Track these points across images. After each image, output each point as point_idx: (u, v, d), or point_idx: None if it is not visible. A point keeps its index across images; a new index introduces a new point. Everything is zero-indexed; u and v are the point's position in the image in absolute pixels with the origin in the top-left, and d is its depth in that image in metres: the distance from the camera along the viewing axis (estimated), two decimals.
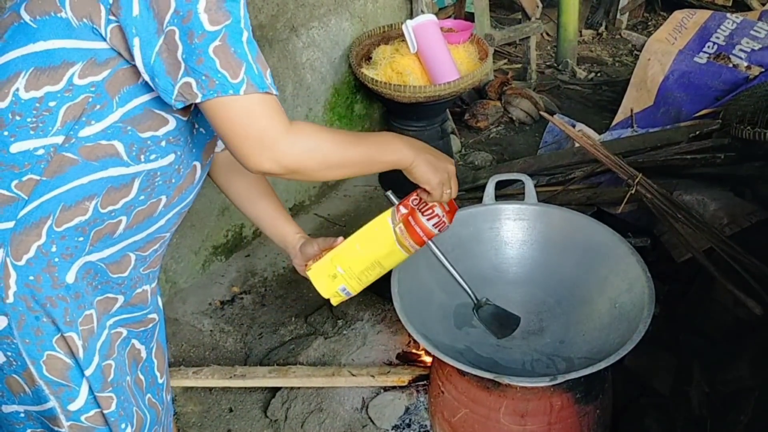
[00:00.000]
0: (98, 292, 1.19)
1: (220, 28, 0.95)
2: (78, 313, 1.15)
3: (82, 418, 1.21)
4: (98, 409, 1.21)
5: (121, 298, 1.24)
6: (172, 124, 1.10)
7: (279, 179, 1.19)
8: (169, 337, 2.32)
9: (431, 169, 1.32)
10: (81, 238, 1.13)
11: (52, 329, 1.12)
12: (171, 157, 1.14)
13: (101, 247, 1.17)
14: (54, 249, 1.11)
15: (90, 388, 1.18)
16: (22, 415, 1.25)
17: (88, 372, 1.17)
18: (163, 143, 1.11)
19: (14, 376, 1.16)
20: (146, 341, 1.34)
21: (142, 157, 1.10)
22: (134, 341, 1.30)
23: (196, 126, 1.17)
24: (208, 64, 0.95)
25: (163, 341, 1.42)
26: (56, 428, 1.21)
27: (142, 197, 1.15)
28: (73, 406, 1.19)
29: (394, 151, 1.27)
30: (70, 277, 1.13)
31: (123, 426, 1.24)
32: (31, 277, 1.09)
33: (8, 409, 1.25)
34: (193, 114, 1.14)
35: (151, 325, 1.34)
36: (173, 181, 1.18)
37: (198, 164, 1.22)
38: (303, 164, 1.08)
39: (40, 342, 1.12)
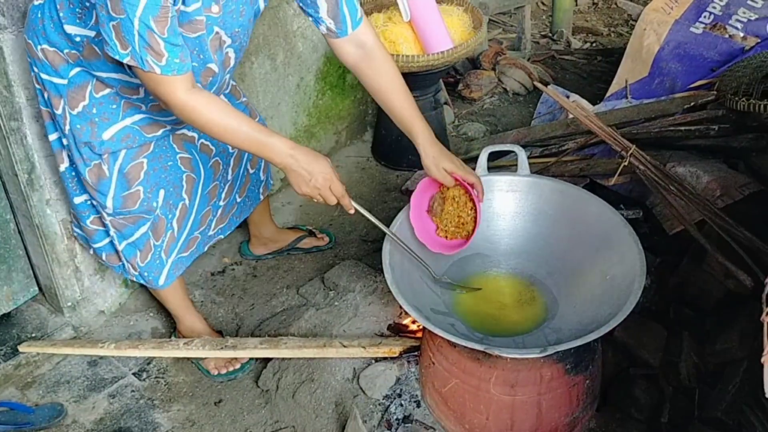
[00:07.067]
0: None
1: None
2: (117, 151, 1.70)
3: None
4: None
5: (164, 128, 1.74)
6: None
7: None
8: (158, 308, 2.32)
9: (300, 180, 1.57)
10: (114, 106, 1.59)
11: (94, 155, 1.69)
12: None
13: (132, 113, 1.63)
14: (95, 111, 1.59)
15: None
16: (87, 202, 1.80)
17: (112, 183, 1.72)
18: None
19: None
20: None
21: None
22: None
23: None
24: None
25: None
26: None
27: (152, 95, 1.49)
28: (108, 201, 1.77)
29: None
30: (107, 135, 1.63)
31: (151, 199, 1.81)
32: (78, 126, 1.62)
33: (79, 200, 1.80)
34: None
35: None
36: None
37: (212, 65, 1.56)
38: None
39: (87, 159, 1.70)
